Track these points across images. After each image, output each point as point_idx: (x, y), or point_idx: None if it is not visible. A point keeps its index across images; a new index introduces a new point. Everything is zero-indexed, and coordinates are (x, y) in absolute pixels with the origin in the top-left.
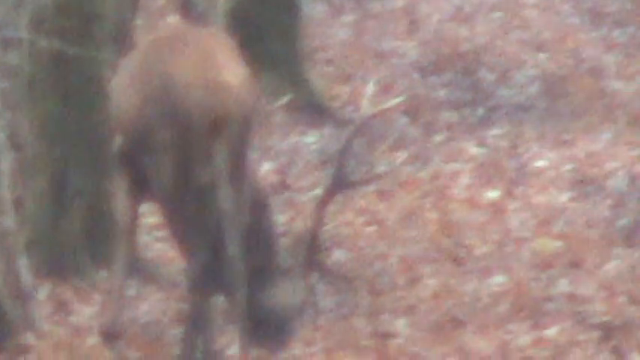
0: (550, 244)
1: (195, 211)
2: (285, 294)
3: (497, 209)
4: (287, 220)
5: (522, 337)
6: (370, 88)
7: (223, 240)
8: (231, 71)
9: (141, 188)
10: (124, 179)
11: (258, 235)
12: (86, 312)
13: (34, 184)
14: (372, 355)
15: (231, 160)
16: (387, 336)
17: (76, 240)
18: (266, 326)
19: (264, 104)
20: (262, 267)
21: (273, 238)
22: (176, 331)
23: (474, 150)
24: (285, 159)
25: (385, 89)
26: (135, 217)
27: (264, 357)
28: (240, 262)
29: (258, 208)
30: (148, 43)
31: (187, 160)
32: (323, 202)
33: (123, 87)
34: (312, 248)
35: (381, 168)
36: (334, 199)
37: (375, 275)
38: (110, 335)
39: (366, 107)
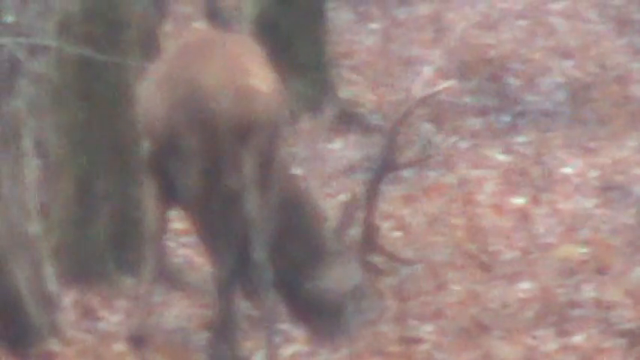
0: (576, 251)
1: (223, 217)
2: (338, 279)
3: (523, 215)
4: None
5: (548, 343)
6: (426, 73)
7: (250, 246)
8: (259, 77)
9: (170, 194)
10: (152, 185)
11: (300, 231)
12: (112, 318)
13: (60, 190)
14: None
15: (259, 166)
16: (413, 341)
17: (101, 246)
18: (324, 315)
19: (292, 111)
20: (308, 259)
21: (319, 232)
22: (202, 337)
23: (499, 156)
24: (311, 165)
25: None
26: (164, 222)
27: None
28: (267, 268)
29: (298, 205)
30: (175, 48)
31: (215, 166)
32: (374, 183)
33: (151, 93)
34: (368, 231)
35: (406, 173)
36: (383, 181)
37: (401, 281)
38: (137, 341)
39: (418, 91)
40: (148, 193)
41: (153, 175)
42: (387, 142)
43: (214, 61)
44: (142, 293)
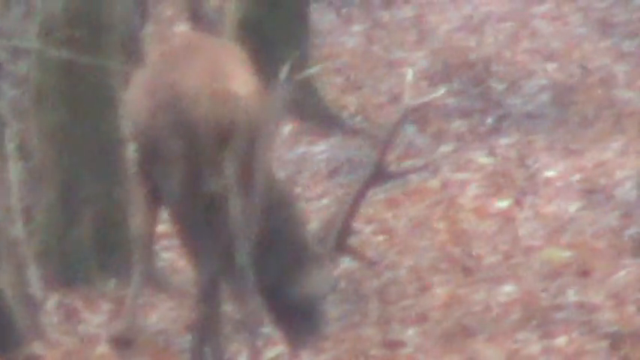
0: (559, 254)
1: (205, 220)
2: (317, 283)
3: (506, 219)
4: None
5: (532, 346)
6: (409, 78)
7: (233, 249)
8: (240, 81)
9: (157, 197)
10: (140, 189)
11: (284, 234)
12: (95, 321)
13: (43, 193)
14: None
15: (241, 169)
16: (396, 345)
17: (85, 249)
18: (298, 317)
19: (274, 114)
20: (291, 262)
21: (301, 235)
22: (185, 340)
23: (483, 159)
24: (294, 168)
25: (394, 98)
26: (152, 226)
27: None
28: (249, 271)
29: (281, 208)
30: (159, 53)
31: (197, 170)
32: (361, 192)
33: (135, 97)
34: (342, 234)
35: None
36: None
37: (384, 284)
38: (121, 343)
39: (408, 97)
40: (136, 197)
41: (140, 179)
42: (380, 152)
43: (195, 65)
44: (129, 295)
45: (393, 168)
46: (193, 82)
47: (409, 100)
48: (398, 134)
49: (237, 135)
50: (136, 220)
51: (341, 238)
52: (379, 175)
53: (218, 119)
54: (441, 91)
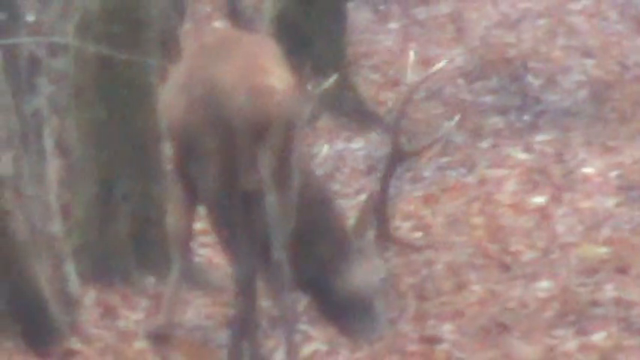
0: (596, 250)
1: (242, 216)
2: (363, 275)
3: (543, 215)
4: None
5: (568, 342)
6: (412, 58)
7: (269, 245)
8: (276, 76)
9: (194, 194)
10: (177, 186)
11: (323, 230)
12: (133, 317)
13: (81, 189)
14: None
15: (277, 165)
16: (433, 341)
17: (122, 245)
18: (353, 312)
19: (312, 110)
20: (334, 256)
21: (340, 230)
22: (222, 336)
23: (520, 155)
24: (332, 165)
25: (432, 95)
26: (189, 223)
27: None
28: (286, 267)
29: (319, 204)
30: (195, 49)
31: (233, 166)
32: (385, 176)
33: (171, 94)
34: (381, 222)
35: (426, 173)
36: (394, 172)
37: (421, 280)
38: (158, 339)
39: (410, 75)
40: (173, 194)
41: (177, 175)
42: (393, 134)
43: (231, 60)
44: (166, 292)
45: (408, 147)
46: (229, 77)
47: (412, 76)
48: (406, 114)
49: (273, 130)
50: (174, 217)
51: (382, 227)
52: (397, 155)
53: (254, 114)
54: (443, 62)
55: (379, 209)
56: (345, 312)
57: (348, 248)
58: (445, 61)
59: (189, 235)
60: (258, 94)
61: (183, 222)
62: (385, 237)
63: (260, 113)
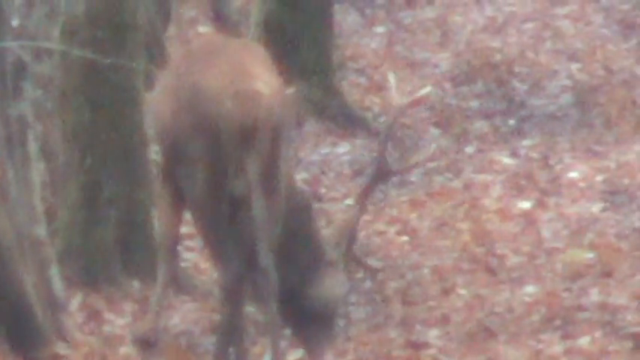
0: (582, 255)
1: (229, 221)
2: (332, 286)
3: (529, 220)
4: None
5: (554, 346)
6: (392, 80)
7: (256, 250)
8: (262, 81)
9: (181, 198)
10: (164, 190)
11: (302, 238)
12: (119, 322)
13: (67, 193)
14: None
15: (264, 170)
16: (419, 346)
17: (108, 250)
18: (314, 321)
19: (298, 114)
20: (309, 265)
21: (317, 239)
22: (209, 341)
23: (506, 160)
24: (317, 169)
25: (418, 99)
26: (176, 227)
27: None
28: (272, 273)
29: (299, 211)
30: (182, 53)
31: (220, 171)
32: (365, 192)
33: (159, 98)
34: (351, 240)
35: (413, 178)
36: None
37: (407, 285)
38: (145, 344)
39: (396, 98)
40: (160, 198)
41: (164, 180)
42: (378, 151)
43: (217, 65)
44: (153, 297)
45: (394, 165)
46: (215, 82)
47: (398, 99)
48: (393, 134)
49: (259, 135)
50: (160, 222)
51: (349, 244)
52: (381, 173)
53: (240, 119)
54: (427, 89)
55: (351, 229)
56: (310, 320)
57: (322, 258)
58: (430, 87)
59: (176, 239)
60: (243, 100)
61: (170, 226)
62: (348, 255)
63: (246, 118)
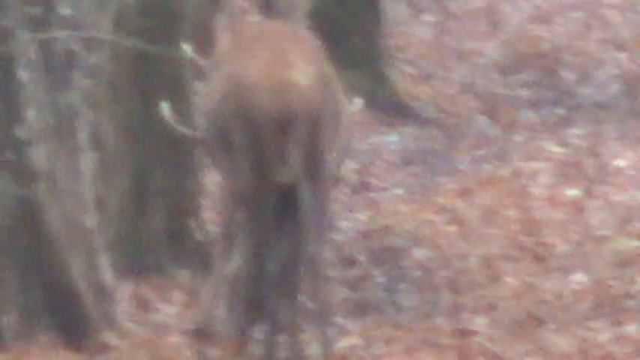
0: (630, 243)
1: (275, 210)
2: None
3: (577, 208)
4: (368, 219)
5: (603, 334)
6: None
7: (304, 239)
8: (300, 71)
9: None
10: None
11: None
12: (167, 311)
13: (116, 183)
14: (452, 354)
15: (308, 159)
16: (467, 334)
17: (157, 239)
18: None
19: (346, 103)
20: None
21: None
22: (258, 330)
23: (554, 149)
24: (366, 158)
25: (466, 88)
26: (232, 217)
27: (345, 356)
28: (321, 260)
29: None
30: (229, 42)
31: (263, 161)
32: None
33: (206, 88)
34: None
35: (461, 166)
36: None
37: (455, 274)
38: (198, 336)
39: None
40: (216, 188)
41: (215, 169)
42: None
43: (258, 55)
44: (208, 287)
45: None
46: (254, 73)
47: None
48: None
49: (297, 125)
50: (220, 212)
51: None
52: None
53: (278, 110)
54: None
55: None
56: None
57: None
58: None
59: (232, 230)
60: (281, 90)
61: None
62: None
63: (283, 110)
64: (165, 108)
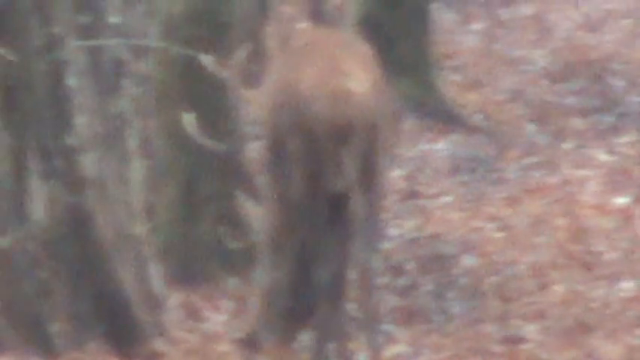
0: None
1: (329, 220)
2: None
3: (625, 216)
4: (416, 226)
5: None
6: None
7: (354, 248)
8: (357, 79)
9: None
10: (269, 188)
11: None
12: (217, 319)
13: (165, 191)
14: None
15: (363, 167)
16: (516, 341)
17: (206, 247)
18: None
19: (396, 111)
20: None
21: None
22: (307, 338)
23: (603, 157)
24: (415, 166)
25: (514, 96)
26: (280, 226)
27: None
28: (371, 268)
29: None
30: (282, 49)
31: (318, 170)
32: None
33: (260, 96)
34: None
35: (510, 174)
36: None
37: (504, 281)
38: (247, 345)
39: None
40: (266, 196)
41: (268, 178)
42: None
43: (313, 63)
44: (255, 296)
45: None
46: (309, 82)
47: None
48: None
49: (355, 134)
50: (269, 220)
51: None
52: None
53: (334, 119)
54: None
55: None
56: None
57: None
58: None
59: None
60: (336, 100)
61: (276, 224)
62: None
63: (339, 119)
64: (189, 120)
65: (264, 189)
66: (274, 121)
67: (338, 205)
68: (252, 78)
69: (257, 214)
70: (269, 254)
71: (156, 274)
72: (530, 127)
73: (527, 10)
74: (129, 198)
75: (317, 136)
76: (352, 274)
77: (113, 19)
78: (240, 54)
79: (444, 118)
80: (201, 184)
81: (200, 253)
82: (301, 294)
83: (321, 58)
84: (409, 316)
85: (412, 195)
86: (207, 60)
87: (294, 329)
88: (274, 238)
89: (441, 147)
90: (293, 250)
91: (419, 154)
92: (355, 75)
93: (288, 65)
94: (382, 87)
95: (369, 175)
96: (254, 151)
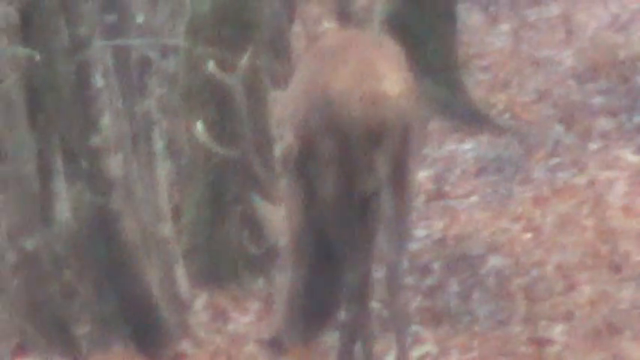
0: None
1: (358, 220)
2: None
3: None
4: (443, 227)
5: None
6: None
7: (384, 248)
8: (390, 81)
9: (312, 197)
10: (296, 189)
11: None
12: (243, 320)
13: (192, 192)
14: None
15: (394, 168)
16: (544, 343)
17: (233, 248)
18: None
19: (424, 112)
20: None
21: None
22: (334, 339)
23: (630, 157)
24: (442, 166)
25: (541, 96)
26: (307, 224)
27: None
28: (400, 269)
29: None
30: (313, 51)
31: (350, 171)
32: None
33: (291, 97)
34: None
35: (537, 174)
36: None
37: (531, 282)
38: (273, 346)
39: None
40: (290, 198)
41: (297, 179)
42: None
43: (346, 65)
44: (280, 297)
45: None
46: (343, 84)
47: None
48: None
49: (388, 135)
50: (290, 221)
51: None
52: None
53: (368, 120)
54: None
55: None
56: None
57: None
58: (200, 124)
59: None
60: (371, 102)
61: (302, 225)
62: None
63: (374, 121)
64: (199, 128)
65: (287, 190)
66: (304, 122)
67: (367, 205)
68: (278, 79)
69: (274, 216)
70: (290, 255)
71: (182, 275)
72: (557, 128)
73: (554, 10)
74: (155, 199)
75: (351, 137)
76: (378, 274)
77: (139, 18)
78: (247, 59)
79: (471, 118)
80: (227, 185)
81: (226, 254)
82: (323, 294)
83: (354, 60)
84: (436, 317)
85: (439, 195)
86: (211, 66)
87: (317, 330)
88: (296, 240)
89: (468, 147)
90: (315, 251)
91: (446, 154)
92: (388, 77)
93: (318, 67)
94: (413, 88)
95: (400, 176)
96: (277, 152)
